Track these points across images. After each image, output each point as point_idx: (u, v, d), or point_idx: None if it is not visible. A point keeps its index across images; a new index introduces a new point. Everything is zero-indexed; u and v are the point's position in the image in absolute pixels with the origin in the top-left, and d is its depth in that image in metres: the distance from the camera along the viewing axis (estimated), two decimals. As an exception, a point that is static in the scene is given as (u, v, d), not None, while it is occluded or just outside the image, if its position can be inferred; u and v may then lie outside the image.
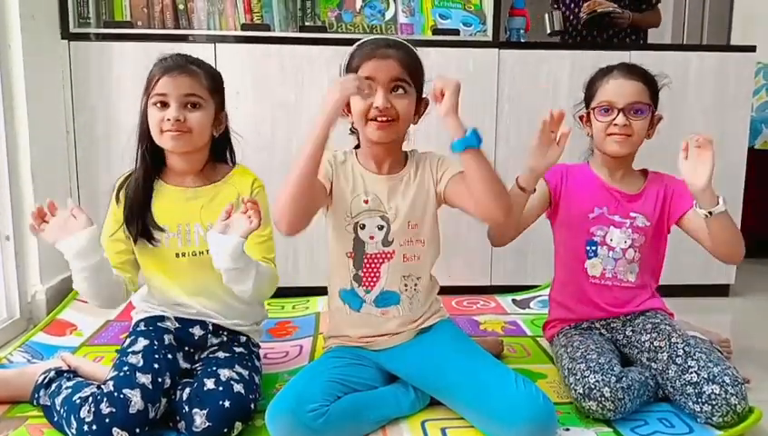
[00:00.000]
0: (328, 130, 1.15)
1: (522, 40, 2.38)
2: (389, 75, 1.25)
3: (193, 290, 1.39)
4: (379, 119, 1.25)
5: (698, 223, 1.41)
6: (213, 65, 1.42)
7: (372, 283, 1.34)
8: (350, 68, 1.28)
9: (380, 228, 1.33)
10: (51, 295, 1.96)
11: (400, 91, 1.26)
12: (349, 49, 1.31)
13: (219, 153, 1.44)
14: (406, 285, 1.35)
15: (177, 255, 1.37)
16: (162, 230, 1.35)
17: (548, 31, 2.75)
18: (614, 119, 1.44)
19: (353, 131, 1.39)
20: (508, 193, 1.25)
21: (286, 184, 1.15)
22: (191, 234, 1.37)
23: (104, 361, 1.58)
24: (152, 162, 1.37)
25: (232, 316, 1.41)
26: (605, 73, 1.49)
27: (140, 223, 1.34)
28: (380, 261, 1.33)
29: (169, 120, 1.29)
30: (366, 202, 1.33)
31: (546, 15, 2.73)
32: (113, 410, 1.12)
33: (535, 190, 1.40)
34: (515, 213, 1.34)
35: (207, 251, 1.30)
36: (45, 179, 1.97)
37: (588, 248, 1.52)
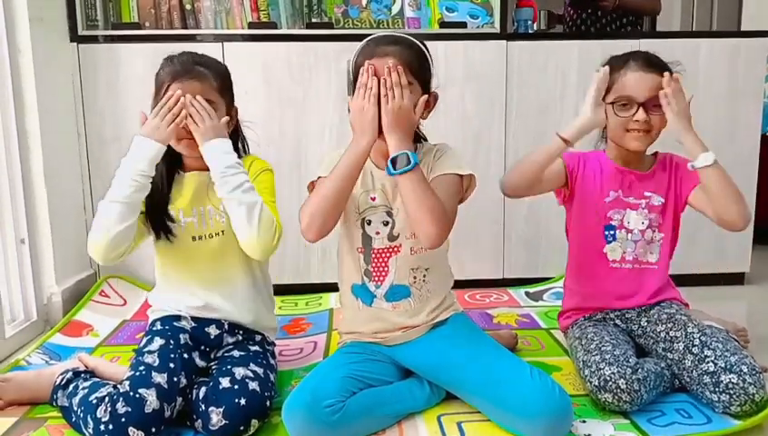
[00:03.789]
0: (369, 150, 1.23)
1: (530, 31, 2.37)
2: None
3: (210, 280, 1.39)
4: None
5: (706, 198, 1.41)
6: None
7: (381, 278, 1.35)
8: (357, 66, 1.29)
9: (385, 224, 1.34)
10: (66, 297, 1.97)
11: None
12: (359, 45, 1.31)
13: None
14: (415, 278, 1.35)
15: (193, 239, 1.37)
16: (174, 222, 1.36)
17: (543, 27, 2.84)
18: (633, 115, 1.42)
19: None
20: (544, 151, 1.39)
21: (318, 199, 1.24)
22: (206, 217, 1.37)
23: (121, 360, 1.59)
24: (168, 163, 1.37)
25: (247, 312, 1.42)
26: (621, 63, 1.44)
27: (159, 220, 1.35)
28: (387, 255, 1.34)
29: (184, 128, 1.29)
30: (373, 198, 1.33)
31: (542, 13, 2.80)
32: (129, 409, 1.12)
33: (573, 145, 1.42)
34: (543, 166, 1.43)
35: (223, 231, 1.35)
36: (58, 182, 1.99)
37: (607, 233, 1.51)
